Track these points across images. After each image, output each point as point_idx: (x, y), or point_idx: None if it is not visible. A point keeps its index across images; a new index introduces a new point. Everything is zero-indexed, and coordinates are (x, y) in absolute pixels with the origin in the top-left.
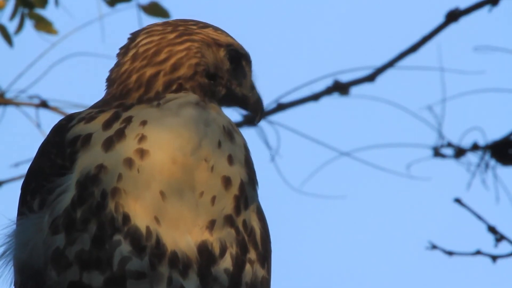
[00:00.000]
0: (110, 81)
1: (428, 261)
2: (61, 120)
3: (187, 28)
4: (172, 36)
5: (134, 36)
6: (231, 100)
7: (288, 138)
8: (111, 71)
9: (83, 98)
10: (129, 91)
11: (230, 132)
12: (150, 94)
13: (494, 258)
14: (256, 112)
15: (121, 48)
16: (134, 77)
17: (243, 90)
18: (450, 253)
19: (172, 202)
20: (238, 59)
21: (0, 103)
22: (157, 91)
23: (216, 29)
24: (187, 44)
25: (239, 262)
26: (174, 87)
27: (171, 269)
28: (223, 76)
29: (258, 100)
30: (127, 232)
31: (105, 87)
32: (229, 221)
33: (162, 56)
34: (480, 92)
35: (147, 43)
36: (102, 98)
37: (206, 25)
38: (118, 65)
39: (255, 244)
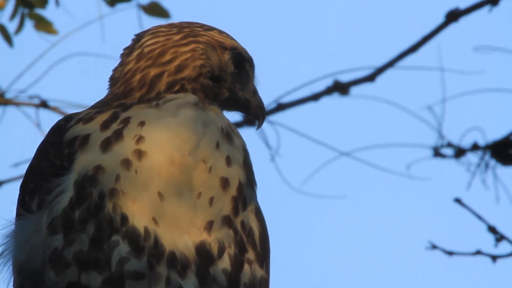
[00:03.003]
0: (113, 80)
1: (428, 261)
2: (59, 121)
3: (192, 30)
4: (177, 37)
5: (139, 37)
6: (233, 104)
7: (288, 138)
8: (115, 70)
9: (83, 98)
10: (132, 90)
11: (229, 133)
12: (151, 94)
13: (494, 258)
14: (257, 117)
15: (125, 49)
16: (138, 76)
17: (245, 95)
18: (450, 253)
19: (170, 203)
20: (242, 63)
21: (0, 103)
22: (158, 91)
23: (221, 32)
24: (193, 46)
25: (237, 263)
26: (176, 88)
27: (169, 269)
28: (227, 78)
29: (260, 106)
30: (125, 232)
31: (107, 87)
32: (227, 221)
33: (167, 57)
34: (480, 92)
35: (153, 44)
36: (103, 98)
37: (211, 28)
38: (122, 64)
39: (254, 244)
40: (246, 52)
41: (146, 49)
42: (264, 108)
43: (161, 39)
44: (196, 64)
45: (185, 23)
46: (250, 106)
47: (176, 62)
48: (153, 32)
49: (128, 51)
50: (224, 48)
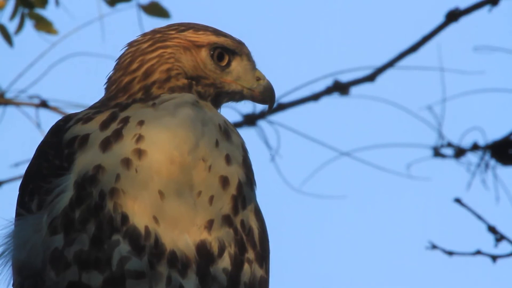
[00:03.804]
0: (107, 83)
1: (428, 261)
2: (58, 121)
3: (163, 35)
4: (145, 45)
5: (126, 46)
6: (232, 96)
7: (288, 138)
8: (109, 74)
9: (83, 98)
10: (114, 96)
11: (227, 131)
12: (129, 99)
13: (494, 258)
14: (265, 101)
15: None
16: (114, 86)
17: (243, 84)
18: (450, 253)
19: (170, 202)
20: (230, 54)
21: (0, 103)
22: (134, 95)
23: (197, 30)
24: (159, 52)
25: (238, 262)
26: (154, 90)
27: (170, 268)
28: (207, 76)
29: (266, 90)
30: (125, 232)
31: (104, 88)
32: (227, 220)
33: (135, 65)
34: (480, 92)
35: (125, 55)
36: (101, 99)
37: (188, 28)
38: (110, 74)
39: (253, 244)
40: (233, 43)
41: (121, 60)
42: (273, 91)
43: (132, 49)
44: (163, 68)
45: (162, 28)
46: (253, 93)
47: (143, 69)
48: (130, 42)
49: (115, 62)
50: (199, 46)
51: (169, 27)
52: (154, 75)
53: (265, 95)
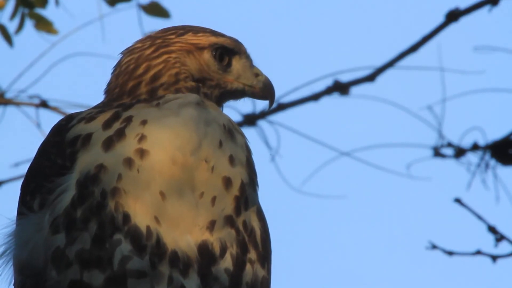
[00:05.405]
0: (108, 88)
1: (428, 261)
2: (60, 120)
3: (164, 40)
4: (149, 51)
5: (122, 53)
6: (234, 95)
7: (288, 138)
8: (109, 81)
9: (83, 98)
10: (117, 98)
11: (231, 130)
12: (133, 100)
13: (494, 258)
14: (265, 97)
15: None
16: (117, 90)
17: (244, 81)
18: (450, 253)
19: (172, 202)
20: (229, 54)
21: (0, 103)
22: (139, 96)
23: (196, 32)
24: (164, 57)
25: (240, 262)
26: (159, 91)
27: (171, 268)
28: (212, 77)
29: (265, 85)
30: (127, 231)
31: (104, 93)
32: (229, 221)
33: (141, 70)
34: (480, 92)
35: (127, 61)
36: (103, 101)
37: (186, 31)
38: (110, 79)
39: (255, 244)
40: (231, 42)
41: (123, 67)
42: (272, 87)
43: (134, 56)
44: (171, 73)
45: (160, 33)
46: (254, 90)
47: (151, 73)
48: (129, 50)
49: (114, 68)
50: (201, 48)
51: (167, 31)
52: (163, 78)
53: (266, 91)
